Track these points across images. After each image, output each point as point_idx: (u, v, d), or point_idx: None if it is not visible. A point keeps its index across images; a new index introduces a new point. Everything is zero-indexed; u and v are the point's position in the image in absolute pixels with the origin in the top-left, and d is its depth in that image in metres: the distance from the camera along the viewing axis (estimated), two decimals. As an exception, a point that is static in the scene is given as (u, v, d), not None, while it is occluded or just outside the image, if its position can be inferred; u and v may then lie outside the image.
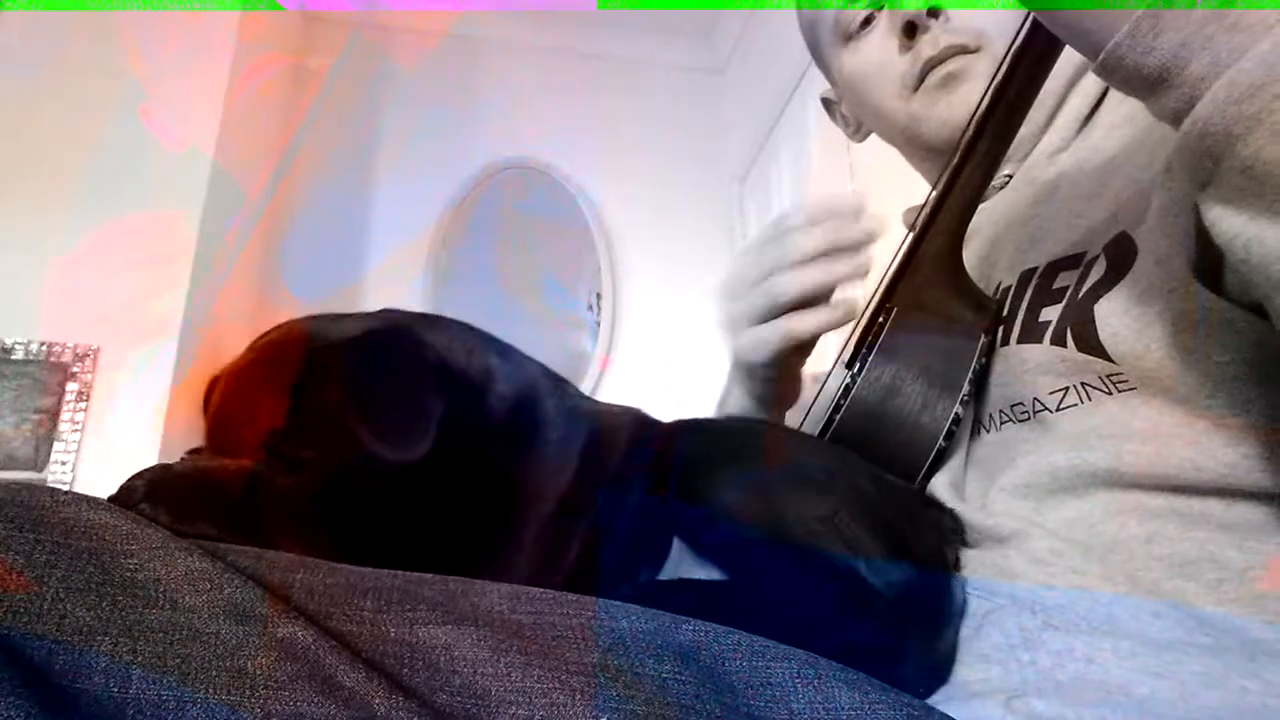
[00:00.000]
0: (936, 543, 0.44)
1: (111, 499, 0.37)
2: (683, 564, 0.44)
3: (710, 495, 0.42)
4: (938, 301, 0.52)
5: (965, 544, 0.46)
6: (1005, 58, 0.49)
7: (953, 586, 0.42)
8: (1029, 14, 0.45)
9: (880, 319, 0.52)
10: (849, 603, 0.37)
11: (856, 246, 0.54)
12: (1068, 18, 0.35)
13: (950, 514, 0.46)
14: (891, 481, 0.47)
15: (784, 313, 0.55)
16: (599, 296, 2.56)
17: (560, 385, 0.53)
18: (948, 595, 0.41)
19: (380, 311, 0.51)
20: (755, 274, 0.56)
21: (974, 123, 0.50)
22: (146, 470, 0.39)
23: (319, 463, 0.45)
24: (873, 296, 0.56)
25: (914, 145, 0.65)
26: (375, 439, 0.42)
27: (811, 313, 0.54)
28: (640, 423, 0.54)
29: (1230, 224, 0.30)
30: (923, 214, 0.53)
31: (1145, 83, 0.33)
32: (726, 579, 0.42)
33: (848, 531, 0.40)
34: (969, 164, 0.51)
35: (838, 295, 0.55)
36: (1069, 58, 0.55)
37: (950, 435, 0.49)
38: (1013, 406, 0.48)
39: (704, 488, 0.43)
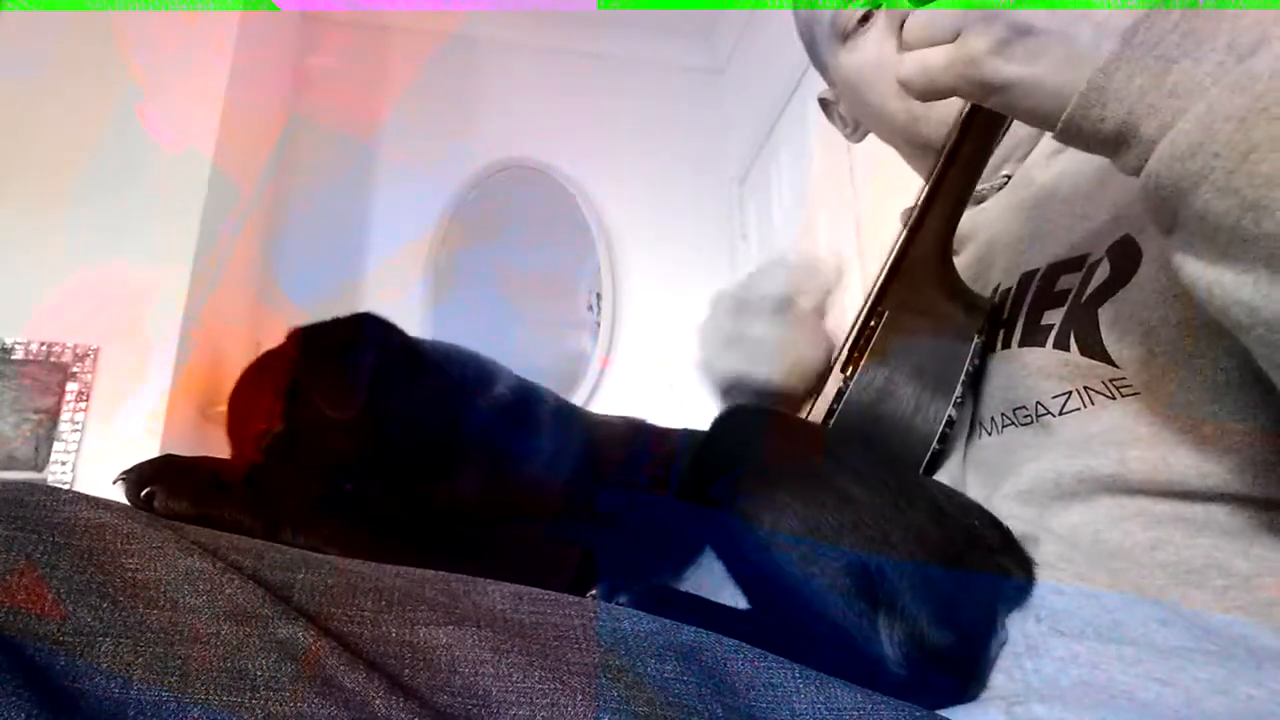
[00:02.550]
0: (989, 594, 0.40)
1: (123, 477, 0.38)
2: (708, 574, 0.44)
3: (756, 517, 0.40)
4: (930, 303, 0.52)
5: (1029, 578, 0.42)
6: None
7: (990, 648, 0.39)
8: None
9: (872, 322, 0.52)
10: (861, 677, 0.35)
11: (815, 309, 0.58)
12: (1019, 105, 0.37)
13: (1019, 555, 0.42)
14: (952, 515, 0.43)
15: (744, 348, 0.56)
16: (599, 296, 2.56)
17: (560, 399, 0.56)
18: (982, 658, 0.38)
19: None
20: (734, 301, 0.59)
21: (958, 124, 0.50)
22: (151, 460, 0.39)
23: (310, 453, 0.47)
24: (865, 300, 0.56)
25: (913, 144, 0.65)
26: (319, 396, 0.47)
27: (767, 361, 0.56)
28: (638, 428, 0.55)
29: (1192, 268, 0.33)
30: (911, 217, 0.53)
31: (1105, 145, 0.35)
32: (746, 611, 0.41)
33: (885, 595, 0.37)
34: (954, 166, 0.51)
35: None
36: None
37: (945, 437, 0.49)
38: (1015, 410, 0.48)
39: (752, 507, 0.41)
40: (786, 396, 0.60)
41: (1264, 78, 0.29)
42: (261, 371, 0.51)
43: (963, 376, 0.49)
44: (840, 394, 0.51)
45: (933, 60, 0.38)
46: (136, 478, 0.37)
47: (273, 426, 0.48)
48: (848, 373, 0.52)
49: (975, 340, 0.49)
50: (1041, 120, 0.37)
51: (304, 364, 0.48)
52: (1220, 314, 0.32)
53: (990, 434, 0.50)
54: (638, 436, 0.55)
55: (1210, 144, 0.30)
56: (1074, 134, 0.35)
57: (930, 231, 0.52)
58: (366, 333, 0.51)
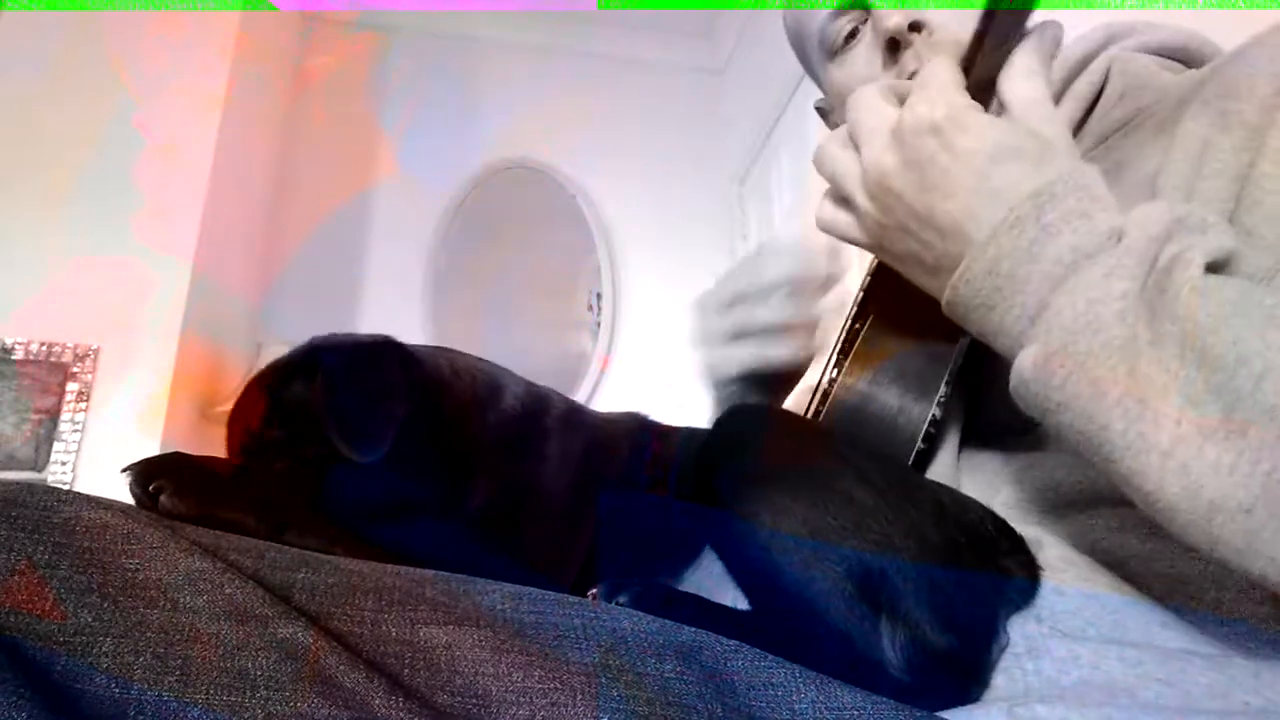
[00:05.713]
0: (991, 597, 0.39)
1: (130, 470, 0.37)
2: (708, 574, 0.44)
3: (758, 518, 0.40)
4: (917, 305, 0.52)
5: (1034, 581, 0.42)
6: (965, 50, 0.47)
7: (992, 653, 0.38)
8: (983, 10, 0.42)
9: (857, 325, 0.52)
10: (863, 679, 0.34)
11: (819, 284, 0.58)
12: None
13: (1025, 557, 0.42)
14: (955, 518, 0.42)
15: (754, 336, 0.57)
16: (599, 296, 2.56)
17: (568, 401, 0.56)
18: (984, 664, 0.38)
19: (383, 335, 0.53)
20: (727, 296, 0.60)
21: None
22: (159, 456, 0.39)
23: (296, 450, 0.47)
24: (852, 303, 0.56)
25: None
26: (340, 440, 0.44)
27: (783, 343, 0.57)
28: (640, 425, 0.55)
29: None
30: None
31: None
32: (747, 613, 0.41)
33: (888, 599, 0.37)
34: None
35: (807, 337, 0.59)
36: (1060, 65, 0.55)
37: (930, 436, 0.49)
38: (1012, 416, 0.48)
39: (754, 508, 0.41)
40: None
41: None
42: (255, 386, 0.51)
43: (947, 375, 0.49)
44: (825, 396, 0.52)
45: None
46: (145, 471, 0.37)
47: (264, 433, 0.47)
48: (832, 375, 0.52)
49: (961, 340, 0.49)
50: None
51: (326, 399, 0.46)
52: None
53: (988, 441, 0.50)
54: (639, 436, 0.55)
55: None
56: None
57: None
58: (394, 374, 0.49)
